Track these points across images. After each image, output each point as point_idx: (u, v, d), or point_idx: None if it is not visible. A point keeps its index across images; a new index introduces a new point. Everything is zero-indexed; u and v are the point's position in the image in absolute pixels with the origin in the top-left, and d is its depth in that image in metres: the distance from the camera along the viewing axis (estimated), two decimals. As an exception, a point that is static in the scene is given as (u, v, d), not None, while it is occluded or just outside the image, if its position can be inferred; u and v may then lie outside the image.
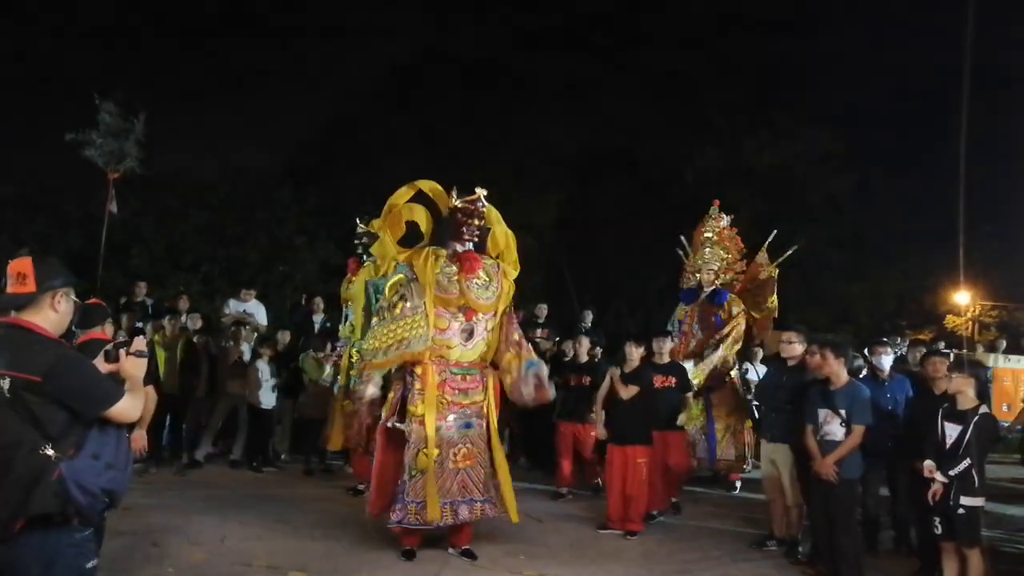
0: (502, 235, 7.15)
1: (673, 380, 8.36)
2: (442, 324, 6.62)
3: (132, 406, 3.23)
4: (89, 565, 3.20)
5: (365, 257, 9.02)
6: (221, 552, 6.42)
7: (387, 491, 6.59)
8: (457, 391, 6.67)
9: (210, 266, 18.95)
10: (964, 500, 5.49)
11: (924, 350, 8.56)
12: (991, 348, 15.81)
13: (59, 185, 18.62)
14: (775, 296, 9.77)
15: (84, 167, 14.29)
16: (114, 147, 13.77)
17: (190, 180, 20.18)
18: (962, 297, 25.34)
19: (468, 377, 6.75)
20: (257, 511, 7.78)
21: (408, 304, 6.47)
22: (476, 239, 6.91)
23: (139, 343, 3.40)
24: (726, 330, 9.13)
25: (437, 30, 26.55)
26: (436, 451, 6.40)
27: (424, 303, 6.50)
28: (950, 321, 25.38)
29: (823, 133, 24.57)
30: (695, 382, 8.92)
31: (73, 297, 3.34)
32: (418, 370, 6.56)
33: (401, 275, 6.60)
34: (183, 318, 10.55)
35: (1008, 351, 15.59)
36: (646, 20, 28.85)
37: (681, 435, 8.56)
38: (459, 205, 6.82)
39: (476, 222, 6.84)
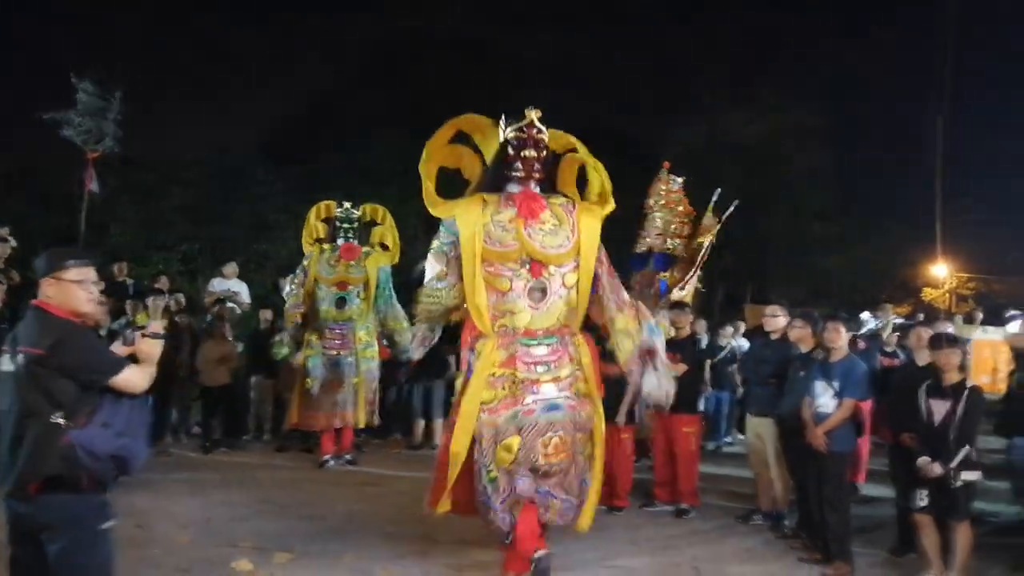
0: (593, 165, 5.84)
1: None
2: (502, 285, 5.38)
3: (137, 376, 3.56)
4: (105, 526, 3.55)
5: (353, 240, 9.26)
6: (207, 533, 6.40)
7: (445, 481, 5.39)
8: (532, 366, 5.32)
9: (190, 245, 18.75)
10: (965, 475, 5.42)
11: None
12: (969, 320, 15.84)
13: (37, 165, 18.34)
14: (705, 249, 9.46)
15: (63, 146, 14.10)
16: (92, 126, 13.59)
17: (169, 158, 19.87)
18: (939, 270, 25.48)
19: (545, 347, 5.40)
20: (242, 492, 7.79)
21: (436, 281, 5.57)
22: (538, 175, 5.64)
23: (155, 326, 3.87)
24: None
25: (422, 7, 26.31)
26: (518, 438, 5.14)
27: (456, 276, 5.48)
28: (927, 294, 25.47)
29: (806, 108, 24.53)
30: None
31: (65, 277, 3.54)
32: (478, 346, 5.44)
33: (437, 242, 5.61)
34: (166, 298, 10.40)
35: (985, 322, 15.62)
36: (630, -5, 28.73)
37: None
38: (509, 136, 5.60)
39: (532, 153, 5.52)
